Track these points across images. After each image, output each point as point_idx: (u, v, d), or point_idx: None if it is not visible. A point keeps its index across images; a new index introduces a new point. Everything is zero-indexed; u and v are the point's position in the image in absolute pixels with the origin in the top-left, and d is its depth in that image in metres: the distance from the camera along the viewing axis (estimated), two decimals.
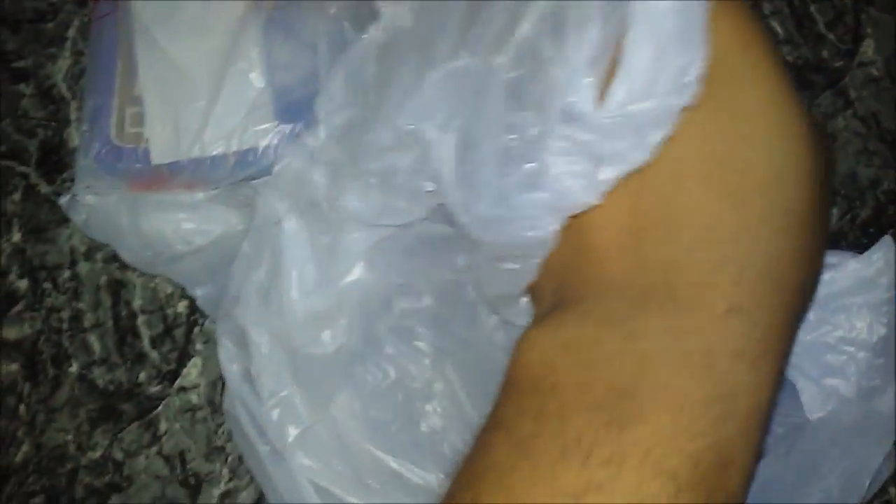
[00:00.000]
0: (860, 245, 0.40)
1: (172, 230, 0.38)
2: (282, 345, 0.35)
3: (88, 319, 0.41)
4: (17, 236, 0.41)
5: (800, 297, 0.28)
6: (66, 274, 0.41)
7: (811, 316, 0.37)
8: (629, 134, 0.25)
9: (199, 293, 0.39)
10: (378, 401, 0.36)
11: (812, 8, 0.41)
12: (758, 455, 0.27)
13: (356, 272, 0.35)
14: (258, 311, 0.35)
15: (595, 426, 0.25)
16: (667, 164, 0.26)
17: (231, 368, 0.36)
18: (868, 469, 0.33)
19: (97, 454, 0.40)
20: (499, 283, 0.30)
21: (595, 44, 0.26)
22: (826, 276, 0.36)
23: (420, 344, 0.36)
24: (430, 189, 0.30)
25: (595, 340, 0.26)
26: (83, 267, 0.41)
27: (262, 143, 0.36)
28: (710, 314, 0.25)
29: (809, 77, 0.41)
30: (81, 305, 0.41)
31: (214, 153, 0.36)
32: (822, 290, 0.36)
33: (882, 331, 0.36)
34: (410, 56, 0.29)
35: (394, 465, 0.34)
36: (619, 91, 0.25)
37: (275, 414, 0.35)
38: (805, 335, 0.37)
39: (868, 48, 0.41)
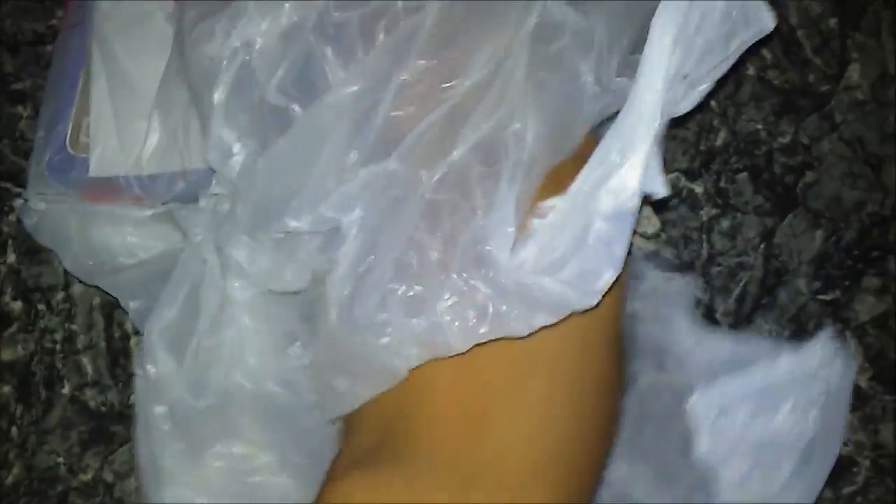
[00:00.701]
0: (844, 267, 0.40)
1: (118, 242, 0.38)
2: (169, 387, 0.35)
3: (81, 341, 0.40)
4: (12, 258, 0.41)
5: (598, 476, 0.30)
6: (60, 296, 0.41)
7: (743, 411, 0.36)
8: (522, 305, 0.26)
9: (132, 306, 0.38)
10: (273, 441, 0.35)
11: (799, 33, 0.42)
12: None
13: (240, 321, 0.35)
14: (156, 349, 0.35)
15: None
16: (521, 352, 0.27)
17: (142, 398, 0.36)
18: None
19: (88, 476, 0.39)
20: (327, 398, 0.30)
21: (526, 195, 0.26)
22: (761, 370, 0.36)
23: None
24: (326, 268, 0.29)
25: None
26: (77, 289, 0.41)
27: (202, 165, 0.35)
28: None
29: (796, 101, 0.41)
30: (74, 327, 0.41)
31: (156, 171, 0.36)
32: (757, 384, 0.36)
33: (810, 434, 0.36)
34: (343, 139, 0.28)
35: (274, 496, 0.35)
36: (532, 259, 0.26)
37: (152, 452, 0.35)
38: (733, 430, 0.36)
39: (854, 73, 0.42)
